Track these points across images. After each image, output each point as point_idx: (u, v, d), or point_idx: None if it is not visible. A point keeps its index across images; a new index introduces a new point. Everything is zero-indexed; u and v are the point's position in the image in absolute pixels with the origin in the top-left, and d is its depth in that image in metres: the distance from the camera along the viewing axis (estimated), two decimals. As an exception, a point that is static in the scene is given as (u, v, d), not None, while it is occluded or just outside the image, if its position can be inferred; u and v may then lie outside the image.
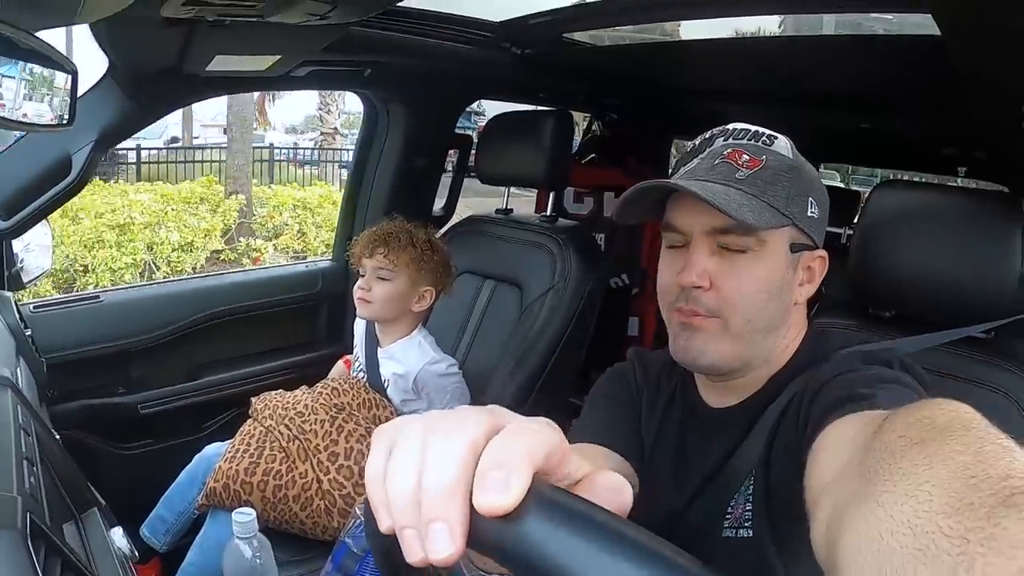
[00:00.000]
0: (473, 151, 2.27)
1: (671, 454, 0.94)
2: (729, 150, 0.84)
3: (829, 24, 1.98)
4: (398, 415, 1.65)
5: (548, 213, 2.05)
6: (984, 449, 0.40)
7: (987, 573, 0.30)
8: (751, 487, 0.82)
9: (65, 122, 1.07)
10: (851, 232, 1.23)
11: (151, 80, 1.55)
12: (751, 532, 0.80)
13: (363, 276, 1.68)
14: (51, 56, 0.96)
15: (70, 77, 1.03)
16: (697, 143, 0.90)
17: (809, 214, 0.83)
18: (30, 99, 0.96)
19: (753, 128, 0.86)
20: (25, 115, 0.96)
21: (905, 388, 0.70)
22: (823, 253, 0.88)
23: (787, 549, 0.77)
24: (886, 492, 0.39)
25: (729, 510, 0.83)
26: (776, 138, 0.85)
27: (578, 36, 1.98)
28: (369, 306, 1.67)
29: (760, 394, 0.87)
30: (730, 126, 0.88)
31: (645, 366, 1.02)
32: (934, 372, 0.98)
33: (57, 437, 1.23)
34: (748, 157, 0.82)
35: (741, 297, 0.81)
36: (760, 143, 0.84)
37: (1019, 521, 0.33)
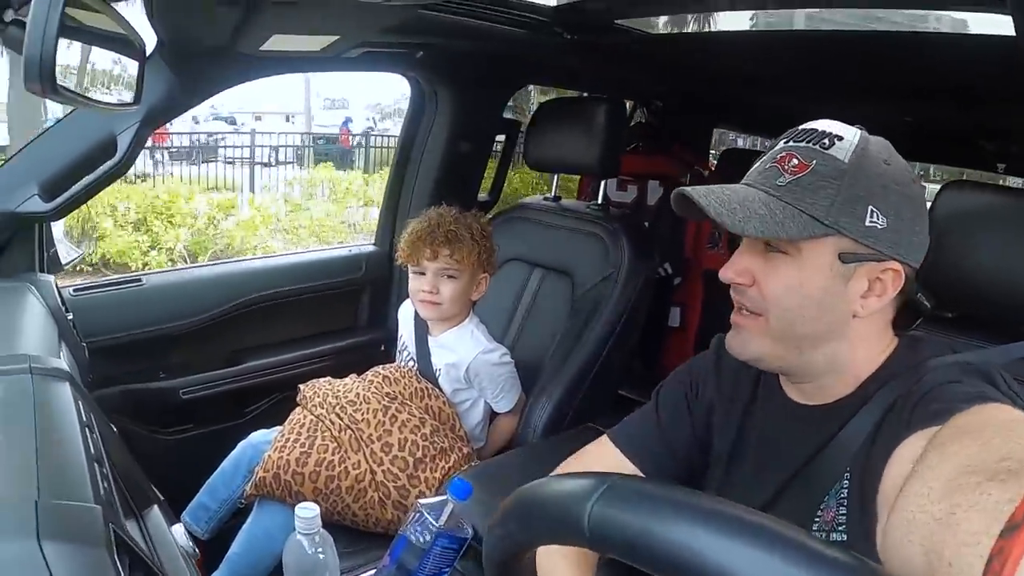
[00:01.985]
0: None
1: (753, 449, 0.94)
2: (783, 153, 0.83)
3: (799, 21, 1.93)
4: (450, 405, 1.63)
5: (599, 201, 2.00)
6: (992, 441, 0.47)
7: (970, 527, 0.38)
8: (843, 491, 0.80)
9: (131, 101, 1.03)
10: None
11: (200, 59, 1.51)
12: (845, 536, 0.78)
13: (422, 275, 1.62)
14: (123, 30, 0.93)
15: (139, 54, 1.00)
16: (776, 142, 0.89)
17: (868, 223, 0.78)
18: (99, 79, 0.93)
19: (821, 128, 0.83)
20: (94, 94, 0.93)
21: None
22: (895, 266, 0.81)
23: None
24: (902, 497, 0.47)
25: (819, 512, 0.82)
26: (841, 139, 0.81)
27: (630, 23, 1.93)
28: (438, 308, 1.62)
29: (851, 398, 0.85)
30: (802, 126, 0.85)
31: (722, 358, 1.01)
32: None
33: (115, 431, 1.21)
34: (797, 162, 0.81)
35: (776, 298, 0.82)
36: (818, 146, 0.81)
37: (1003, 488, 0.41)
